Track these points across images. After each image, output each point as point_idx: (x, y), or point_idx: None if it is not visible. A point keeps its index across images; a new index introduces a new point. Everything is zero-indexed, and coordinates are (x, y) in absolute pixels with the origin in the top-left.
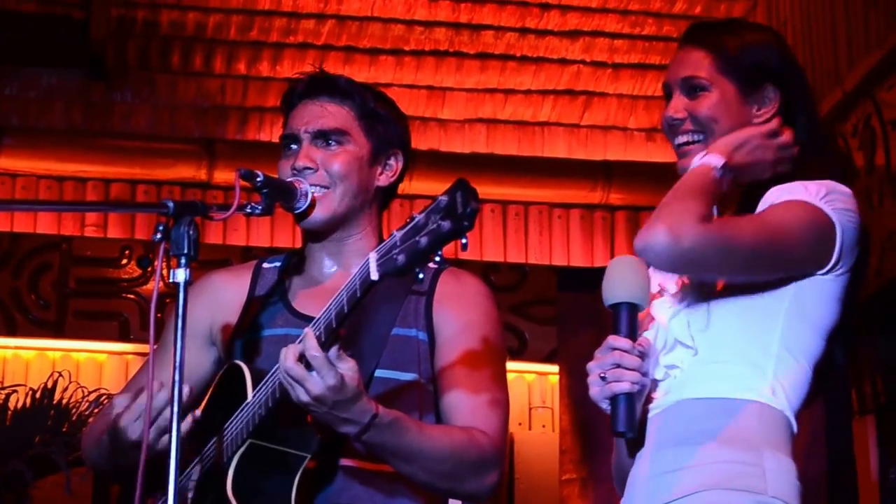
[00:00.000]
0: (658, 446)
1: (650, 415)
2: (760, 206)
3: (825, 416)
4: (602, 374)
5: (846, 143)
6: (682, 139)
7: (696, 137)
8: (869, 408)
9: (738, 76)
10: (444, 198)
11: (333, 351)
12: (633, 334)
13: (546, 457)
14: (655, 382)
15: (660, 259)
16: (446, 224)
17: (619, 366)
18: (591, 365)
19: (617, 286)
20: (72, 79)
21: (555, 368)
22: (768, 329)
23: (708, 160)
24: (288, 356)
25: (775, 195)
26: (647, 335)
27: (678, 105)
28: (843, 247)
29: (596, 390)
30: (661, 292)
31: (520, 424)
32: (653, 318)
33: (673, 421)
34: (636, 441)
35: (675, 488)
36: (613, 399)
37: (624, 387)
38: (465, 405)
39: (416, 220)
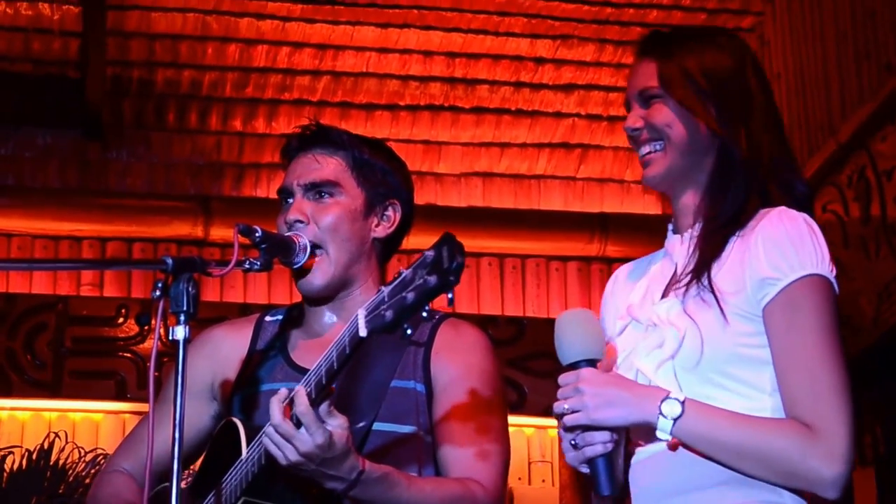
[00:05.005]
0: (661, 496)
1: (638, 460)
2: (754, 237)
3: None
4: (572, 441)
5: (842, 195)
6: (644, 150)
7: (656, 147)
8: (868, 460)
9: (683, 82)
10: (431, 253)
11: (324, 407)
12: None
13: None
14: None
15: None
16: (432, 279)
17: (587, 427)
18: (560, 432)
19: (571, 345)
20: (67, 138)
21: (554, 422)
22: (759, 372)
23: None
24: (276, 413)
25: (777, 257)
26: (622, 368)
27: (635, 115)
28: None
29: (570, 456)
30: (628, 317)
31: (519, 479)
32: (615, 351)
33: (670, 467)
34: (623, 489)
35: None
36: (591, 462)
37: (598, 450)
38: (460, 455)
39: (404, 275)
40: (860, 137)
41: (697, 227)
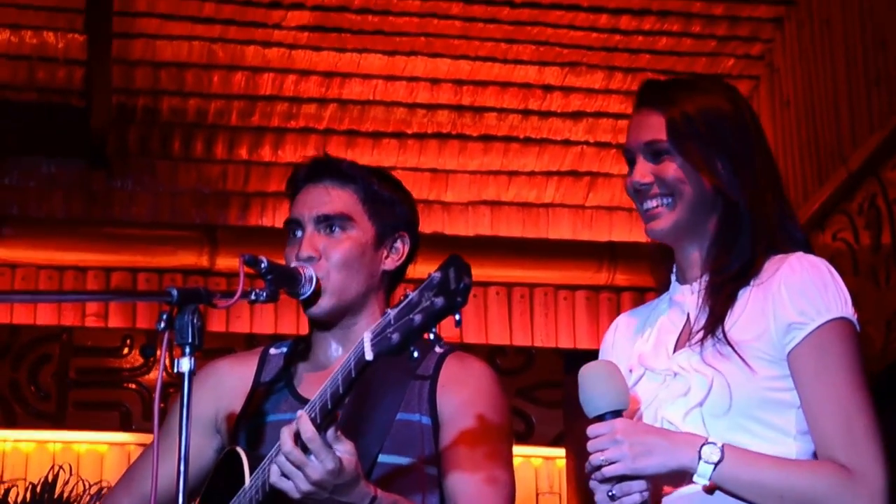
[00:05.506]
0: None
1: (671, 500)
2: (768, 280)
3: None
4: (610, 493)
5: (852, 223)
6: (651, 203)
7: (665, 201)
8: None
9: (692, 139)
10: (437, 274)
11: (331, 432)
12: None
13: None
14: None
15: None
16: (439, 301)
17: (622, 477)
18: (593, 484)
19: (597, 397)
20: (72, 167)
21: (562, 452)
22: (786, 416)
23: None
24: (287, 440)
25: (800, 300)
26: (645, 418)
27: (644, 170)
28: None
29: None
30: (641, 368)
31: None
32: (637, 401)
33: None
34: None
35: None
36: None
37: (636, 499)
38: (465, 485)
39: (410, 297)
40: (871, 165)
41: (705, 278)
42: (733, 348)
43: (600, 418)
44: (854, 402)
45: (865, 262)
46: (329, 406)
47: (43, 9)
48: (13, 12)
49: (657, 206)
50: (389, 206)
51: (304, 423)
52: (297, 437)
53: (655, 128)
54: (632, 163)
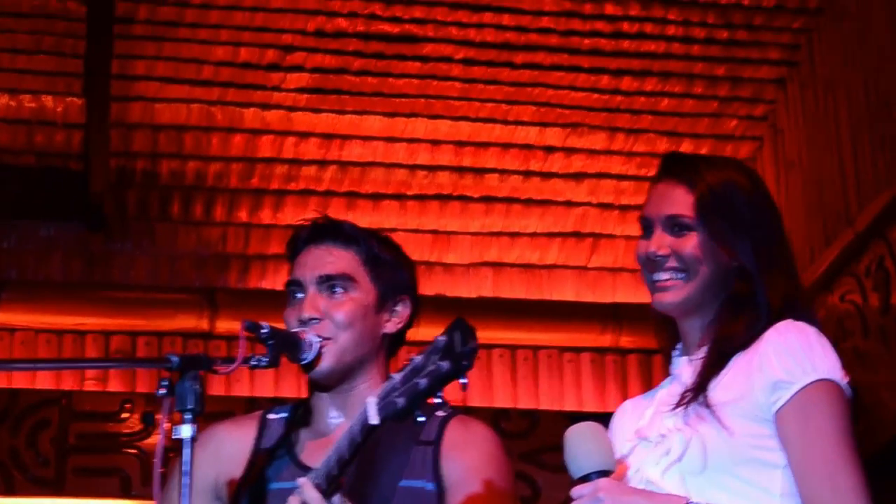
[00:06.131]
0: None
1: None
2: (764, 348)
3: None
4: None
5: (860, 284)
6: (663, 276)
7: (678, 276)
8: None
9: (719, 218)
10: (443, 338)
11: (337, 499)
12: None
13: None
14: None
15: None
16: (445, 364)
17: None
18: None
19: (582, 458)
20: (70, 231)
21: None
22: (769, 475)
23: None
24: None
25: (791, 366)
26: (632, 483)
27: (662, 242)
28: None
29: None
30: (636, 438)
31: None
32: (627, 468)
33: None
34: None
35: None
36: None
37: None
38: None
39: (415, 361)
40: (878, 226)
41: (704, 349)
42: (711, 410)
43: (585, 479)
44: (842, 464)
45: (875, 324)
46: (335, 472)
47: (41, 73)
48: (12, 77)
49: (668, 280)
50: (391, 269)
51: (310, 490)
52: None
53: (680, 202)
54: (647, 231)
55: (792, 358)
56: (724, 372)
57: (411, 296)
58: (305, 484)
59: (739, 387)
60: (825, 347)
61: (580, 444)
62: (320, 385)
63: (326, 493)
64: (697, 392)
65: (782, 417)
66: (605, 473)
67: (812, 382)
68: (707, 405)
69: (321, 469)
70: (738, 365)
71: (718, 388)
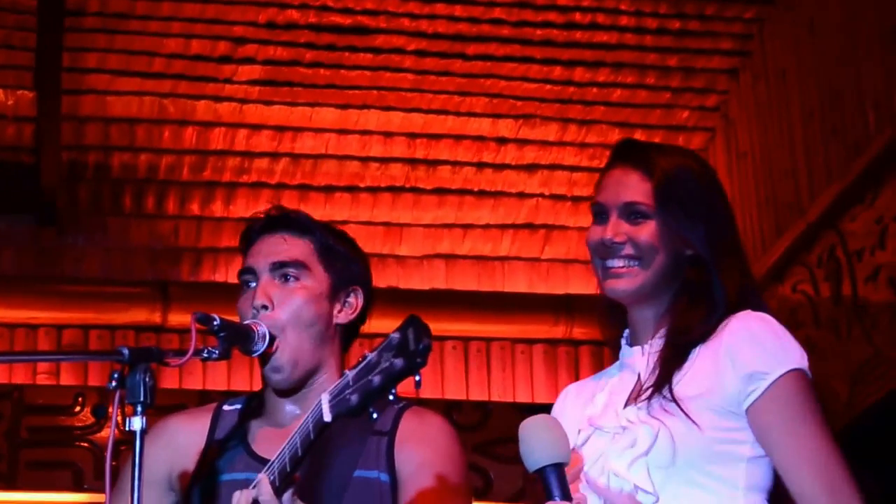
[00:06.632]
0: None
1: None
2: (724, 338)
3: None
4: None
5: (812, 275)
6: (617, 263)
7: (633, 263)
8: None
9: (676, 206)
10: (396, 335)
11: (287, 496)
12: (567, 494)
13: None
14: None
15: None
16: (399, 362)
17: None
18: None
19: (538, 451)
20: (22, 224)
21: None
22: (734, 469)
23: None
24: (241, 502)
25: (760, 356)
26: (592, 473)
27: (618, 229)
28: None
29: None
30: (590, 427)
31: None
32: (581, 459)
33: None
34: None
35: None
36: None
37: None
38: None
39: (369, 358)
40: (829, 217)
41: (657, 340)
42: (678, 404)
43: (541, 472)
44: (828, 452)
45: (826, 314)
46: (288, 469)
47: None
48: None
49: (623, 267)
50: (344, 260)
51: (264, 485)
52: (255, 502)
53: (637, 189)
54: (601, 217)
55: (763, 348)
56: (687, 364)
57: (364, 287)
58: (264, 480)
59: (707, 381)
60: (790, 337)
61: (535, 438)
62: (282, 392)
63: (279, 490)
64: (659, 387)
65: (758, 409)
66: (560, 466)
67: (787, 372)
68: (673, 399)
69: (275, 465)
70: (703, 357)
71: (683, 382)
